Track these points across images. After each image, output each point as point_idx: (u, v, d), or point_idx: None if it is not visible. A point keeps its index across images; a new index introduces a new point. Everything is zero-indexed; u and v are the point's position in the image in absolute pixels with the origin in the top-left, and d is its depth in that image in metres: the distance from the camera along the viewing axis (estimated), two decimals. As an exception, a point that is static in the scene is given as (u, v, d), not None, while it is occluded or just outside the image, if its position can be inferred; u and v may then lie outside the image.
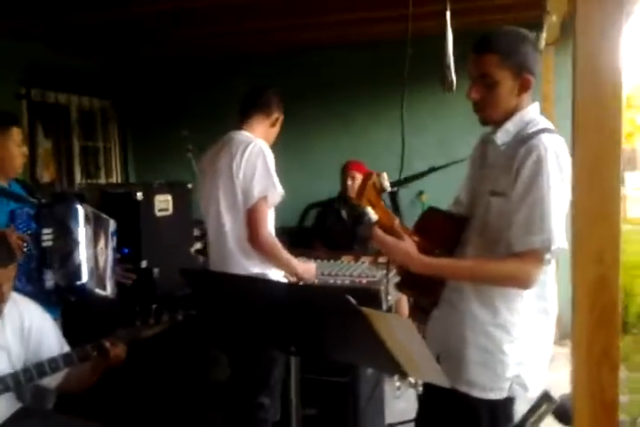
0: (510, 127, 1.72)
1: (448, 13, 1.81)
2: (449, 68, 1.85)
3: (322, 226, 4.52)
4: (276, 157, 5.02)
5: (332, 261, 3.16)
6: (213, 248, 2.60)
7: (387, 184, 1.70)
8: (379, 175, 1.71)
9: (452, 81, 1.85)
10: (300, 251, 3.15)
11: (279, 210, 5.07)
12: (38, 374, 1.82)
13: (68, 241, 2.35)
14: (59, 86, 4.92)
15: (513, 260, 1.62)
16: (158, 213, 3.31)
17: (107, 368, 1.95)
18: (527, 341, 1.72)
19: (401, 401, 3.52)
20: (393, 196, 4.83)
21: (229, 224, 2.46)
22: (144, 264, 3.13)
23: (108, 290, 2.52)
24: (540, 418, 1.26)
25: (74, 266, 2.33)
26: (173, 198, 3.38)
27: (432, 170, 2.02)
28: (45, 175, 4.82)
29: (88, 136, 5.36)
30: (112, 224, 2.65)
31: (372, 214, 1.68)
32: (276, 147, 5.14)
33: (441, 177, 4.12)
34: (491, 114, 1.73)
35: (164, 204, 3.35)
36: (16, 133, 2.48)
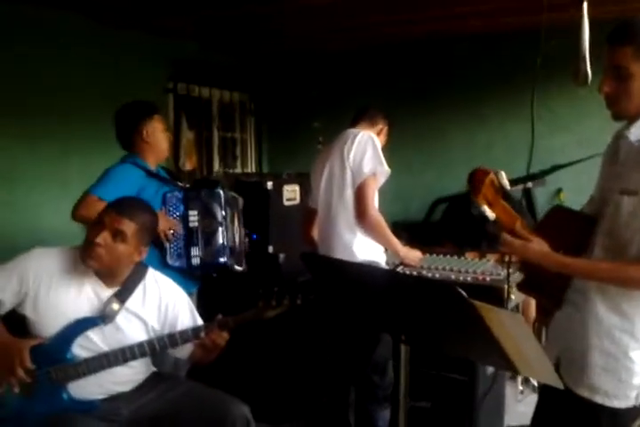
0: None
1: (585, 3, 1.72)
2: (584, 59, 1.75)
3: (449, 221, 4.44)
4: (408, 152, 5.10)
5: (455, 257, 3.11)
6: (322, 231, 2.74)
7: (505, 182, 1.66)
8: (497, 173, 1.67)
9: (585, 74, 1.75)
10: (428, 247, 3.15)
11: (406, 203, 5.13)
12: (171, 344, 1.98)
13: (212, 222, 2.61)
14: (202, 81, 5.25)
15: None
16: (286, 202, 3.46)
17: (211, 352, 2.03)
18: None
19: (522, 405, 3.41)
20: (528, 194, 4.68)
21: (339, 206, 2.61)
22: (270, 250, 3.29)
23: (243, 265, 2.75)
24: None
25: (217, 245, 2.60)
26: (301, 188, 3.51)
27: (555, 168, 1.92)
28: (187, 164, 5.16)
29: (227, 128, 5.65)
30: (240, 202, 2.83)
31: (489, 213, 1.66)
32: (408, 142, 5.17)
33: (580, 175, 3.90)
34: (624, 108, 1.62)
35: (291, 193, 3.48)
36: (158, 120, 2.69)
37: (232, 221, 2.72)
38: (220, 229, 2.62)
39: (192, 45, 5.00)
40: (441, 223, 4.55)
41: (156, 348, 1.98)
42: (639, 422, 1.17)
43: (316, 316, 2.69)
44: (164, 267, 2.54)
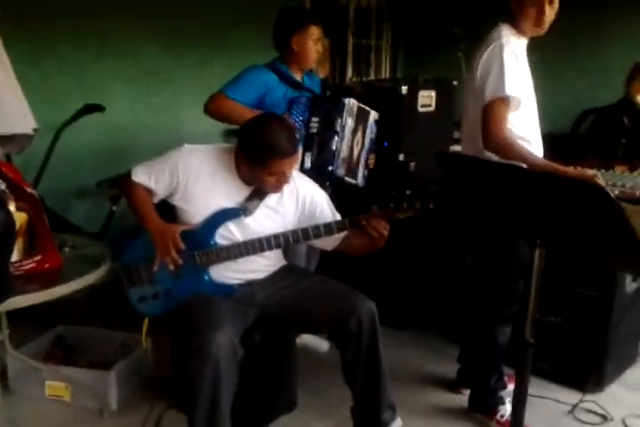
0: None
1: None
2: None
3: (597, 134, 4.10)
4: (550, 60, 4.62)
5: (602, 171, 2.88)
6: (463, 145, 2.54)
7: None
8: None
9: None
10: (572, 161, 2.92)
11: (551, 115, 4.73)
12: (303, 237, 2.04)
13: (329, 131, 2.58)
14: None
15: None
16: (421, 109, 3.30)
17: (371, 243, 2.04)
18: None
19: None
20: None
21: (472, 123, 2.30)
22: (401, 157, 3.20)
23: (359, 179, 2.70)
24: None
25: (328, 153, 2.57)
26: (437, 95, 3.33)
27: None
28: (320, 72, 5.10)
29: (362, 34, 5.48)
30: (372, 115, 2.74)
31: None
32: (550, 48, 4.71)
33: None
34: None
35: (427, 99, 3.32)
36: (311, 29, 2.72)
37: (353, 133, 2.65)
38: (335, 137, 2.57)
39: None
40: (588, 136, 4.21)
41: (290, 240, 2.05)
42: None
43: (450, 227, 2.62)
44: None
